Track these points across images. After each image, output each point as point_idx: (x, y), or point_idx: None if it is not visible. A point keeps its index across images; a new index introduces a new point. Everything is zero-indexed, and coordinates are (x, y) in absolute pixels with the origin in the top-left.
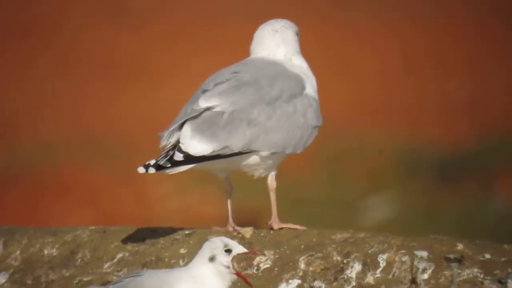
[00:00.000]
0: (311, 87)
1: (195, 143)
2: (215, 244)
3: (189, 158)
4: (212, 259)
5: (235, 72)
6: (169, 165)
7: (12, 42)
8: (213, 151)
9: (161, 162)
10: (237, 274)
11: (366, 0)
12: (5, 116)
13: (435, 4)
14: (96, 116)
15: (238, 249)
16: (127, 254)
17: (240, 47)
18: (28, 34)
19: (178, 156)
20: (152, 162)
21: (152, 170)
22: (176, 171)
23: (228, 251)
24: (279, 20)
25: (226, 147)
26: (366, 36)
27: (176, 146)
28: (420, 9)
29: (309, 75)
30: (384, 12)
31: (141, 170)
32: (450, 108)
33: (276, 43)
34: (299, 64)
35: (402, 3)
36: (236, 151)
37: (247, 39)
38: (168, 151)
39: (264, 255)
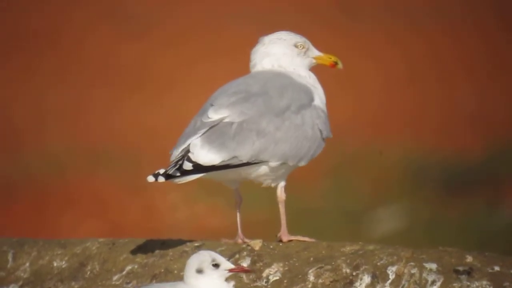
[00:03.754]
0: (319, 98)
1: (204, 153)
2: (203, 257)
3: (198, 168)
4: (199, 271)
5: (243, 84)
6: (178, 174)
7: (14, 52)
8: (222, 161)
9: (171, 171)
10: (231, 271)
11: (371, 9)
12: (9, 126)
13: (439, 14)
14: (100, 125)
15: (226, 265)
16: (136, 266)
17: (244, 54)
18: (29, 44)
19: (187, 166)
20: (162, 171)
21: (161, 179)
22: (185, 180)
23: (216, 265)
24: (273, 34)
25: (235, 157)
26: (370, 45)
27: (185, 156)
28: (424, 19)
29: (316, 86)
30: (388, 22)
31: (151, 179)
32: (454, 117)
33: (265, 55)
34: (303, 75)
35: (406, 13)
36: (245, 161)
37: (251, 47)
38: (177, 161)
39: (254, 272)
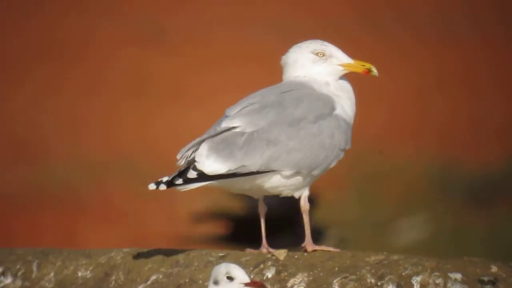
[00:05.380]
0: (341, 107)
1: (210, 162)
2: (219, 269)
3: (202, 176)
4: (215, 283)
5: (259, 96)
6: (181, 182)
7: (44, 62)
8: (229, 170)
9: (173, 179)
10: (246, 285)
11: (401, 18)
12: (38, 137)
13: (473, 24)
14: (129, 136)
15: (241, 279)
16: (161, 276)
17: (275, 70)
18: (60, 54)
19: (192, 174)
20: (165, 179)
21: (163, 187)
22: (189, 188)
23: (230, 278)
24: (296, 45)
25: (243, 166)
26: (398, 55)
27: (191, 164)
28: (457, 28)
29: (340, 94)
30: (420, 30)
31: (152, 186)
32: (481, 129)
33: (285, 68)
34: (324, 83)
35: (439, 21)
36: (254, 170)
37: (270, 55)
38: (182, 170)
39: (267, 287)
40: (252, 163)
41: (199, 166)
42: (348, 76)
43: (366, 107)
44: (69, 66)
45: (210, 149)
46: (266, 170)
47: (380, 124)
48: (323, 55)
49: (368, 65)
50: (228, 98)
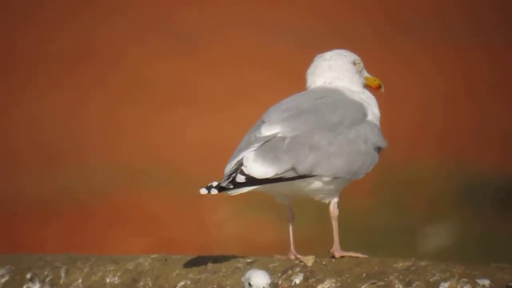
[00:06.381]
0: (372, 114)
1: (257, 166)
2: (245, 276)
3: (251, 180)
4: None
5: (294, 101)
6: (232, 186)
7: (77, 69)
8: (276, 174)
9: (224, 184)
10: None
11: (433, 24)
12: (46, 144)
13: (503, 27)
14: (142, 141)
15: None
16: (188, 282)
17: (295, 75)
18: (88, 63)
19: (240, 178)
20: (215, 183)
21: (214, 191)
22: (238, 193)
23: (251, 285)
24: (333, 51)
25: (288, 170)
26: (428, 60)
27: (238, 169)
28: (489, 33)
29: (370, 102)
30: (452, 36)
31: (203, 191)
32: (508, 134)
33: (323, 72)
34: (357, 91)
35: (471, 26)
36: (298, 175)
37: (301, 68)
38: (230, 174)
39: None
40: (297, 167)
41: (247, 170)
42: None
43: (390, 112)
44: (103, 73)
45: (257, 153)
46: (309, 175)
47: (406, 128)
48: (359, 66)
49: (379, 81)
50: (257, 103)
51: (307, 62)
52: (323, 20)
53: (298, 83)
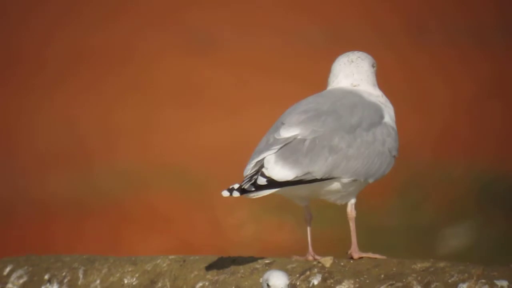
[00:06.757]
0: (389, 116)
1: (278, 169)
2: (264, 277)
3: (272, 183)
4: None
5: (313, 103)
6: (253, 189)
7: (86, 70)
8: (296, 177)
9: (245, 186)
10: None
11: (462, 24)
12: (78, 144)
13: (508, 34)
14: (175, 145)
15: None
16: (207, 283)
17: (320, 78)
18: (99, 59)
19: (261, 181)
20: (236, 186)
21: (236, 194)
22: (260, 195)
23: (269, 286)
24: (355, 52)
25: (309, 173)
26: (457, 61)
27: (259, 171)
28: (493, 38)
29: (387, 104)
30: (481, 37)
31: (225, 193)
32: None
33: (350, 72)
34: (376, 94)
35: (501, 28)
36: (318, 177)
37: (311, 73)
38: (251, 176)
39: None
40: (316, 169)
41: (268, 172)
42: (392, 84)
43: (404, 115)
44: (109, 72)
45: (277, 156)
46: (328, 178)
47: (426, 129)
48: (375, 69)
49: None
50: (266, 106)
51: (317, 66)
52: (333, 25)
53: (307, 87)
